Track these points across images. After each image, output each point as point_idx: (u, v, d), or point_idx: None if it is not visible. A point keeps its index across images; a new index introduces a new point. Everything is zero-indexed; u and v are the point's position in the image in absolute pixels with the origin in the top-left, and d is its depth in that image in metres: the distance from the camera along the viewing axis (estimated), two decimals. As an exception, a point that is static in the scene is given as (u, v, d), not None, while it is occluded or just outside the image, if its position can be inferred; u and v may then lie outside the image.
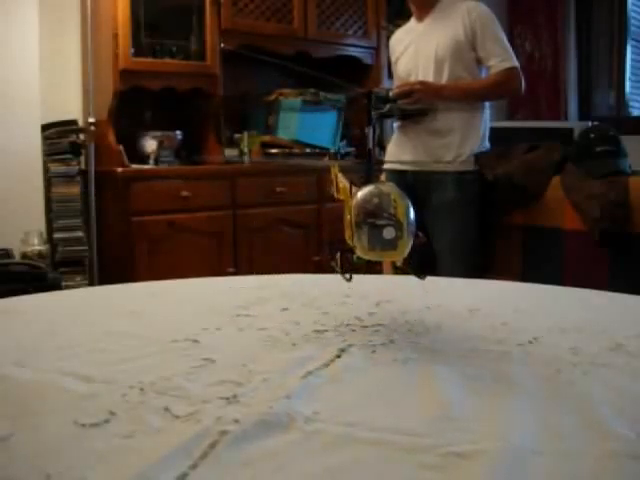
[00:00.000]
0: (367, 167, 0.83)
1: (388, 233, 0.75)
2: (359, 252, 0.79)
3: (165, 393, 0.65)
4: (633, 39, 4.92)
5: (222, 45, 3.43)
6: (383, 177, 2.57)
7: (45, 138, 3.22)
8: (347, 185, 0.88)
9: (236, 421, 0.58)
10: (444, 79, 2.35)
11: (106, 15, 3.21)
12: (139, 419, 0.60)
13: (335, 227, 3.95)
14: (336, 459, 0.52)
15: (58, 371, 0.72)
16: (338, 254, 0.86)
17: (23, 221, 3.13)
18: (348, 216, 0.80)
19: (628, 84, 4.92)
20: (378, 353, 0.78)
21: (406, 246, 0.77)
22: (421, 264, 0.85)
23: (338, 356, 0.76)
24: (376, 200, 0.77)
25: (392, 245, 0.76)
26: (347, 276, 0.86)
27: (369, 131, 0.89)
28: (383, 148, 2.59)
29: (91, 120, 3.27)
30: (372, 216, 0.76)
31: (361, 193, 0.78)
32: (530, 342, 0.82)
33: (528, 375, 0.71)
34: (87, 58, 3.30)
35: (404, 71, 2.47)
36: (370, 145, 0.87)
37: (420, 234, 0.88)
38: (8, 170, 3.09)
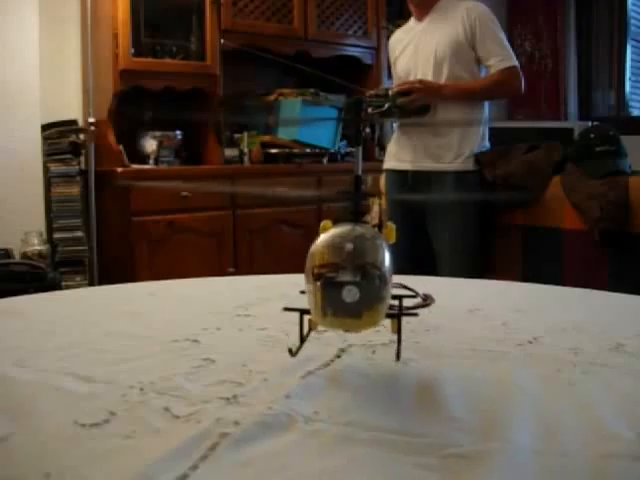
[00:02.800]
0: (354, 198, 0.63)
1: (350, 294, 0.55)
2: (312, 315, 0.60)
3: (165, 393, 0.65)
4: (633, 39, 4.92)
5: (222, 41, 3.42)
6: (383, 177, 2.57)
7: (45, 138, 3.22)
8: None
9: (236, 422, 0.58)
10: (443, 79, 2.35)
11: (106, 15, 3.21)
12: (139, 419, 0.60)
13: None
14: (336, 459, 0.52)
15: (58, 371, 0.72)
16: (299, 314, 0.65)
17: (23, 221, 3.13)
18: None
19: (628, 84, 4.92)
20: (378, 353, 0.78)
21: (377, 314, 0.57)
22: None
23: (338, 356, 0.76)
24: (341, 245, 0.56)
25: (354, 311, 0.56)
26: (291, 348, 0.66)
27: (357, 152, 0.65)
28: (383, 148, 2.59)
29: (91, 120, 3.27)
30: (330, 268, 0.56)
31: (325, 235, 0.58)
32: (530, 342, 0.82)
33: (528, 375, 0.71)
34: (87, 58, 3.30)
35: (403, 71, 2.46)
36: (358, 171, 0.65)
37: (430, 296, 0.75)
38: (8, 170, 3.09)
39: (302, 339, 0.66)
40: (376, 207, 0.76)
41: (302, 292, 0.62)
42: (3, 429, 0.57)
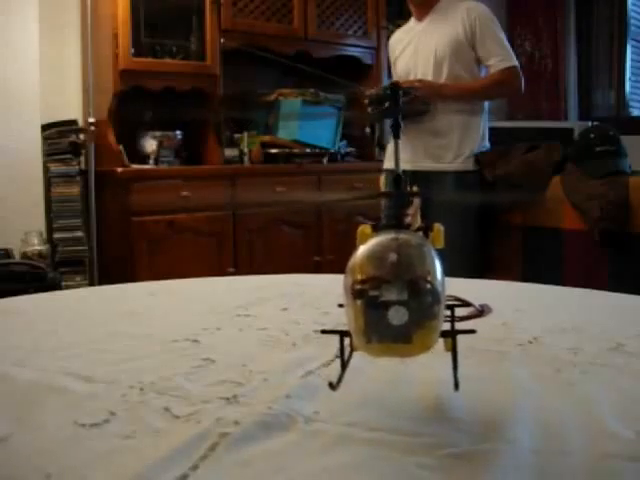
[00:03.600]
0: (396, 199, 0.54)
1: (397, 316, 0.47)
2: (355, 340, 0.51)
3: (165, 393, 0.65)
4: (633, 39, 4.92)
5: (222, 40, 3.42)
6: (382, 177, 2.57)
7: (45, 138, 3.22)
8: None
9: (236, 421, 0.58)
10: (443, 79, 2.35)
11: (106, 15, 3.20)
12: (139, 419, 0.60)
13: (335, 228, 3.94)
14: (336, 459, 0.52)
15: (58, 371, 0.72)
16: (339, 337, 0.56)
17: (23, 221, 3.13)
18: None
19: (628, 84, 4.92)
20: (378, 353, 0.78)
21: (430, 336, 0.49)
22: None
23: (338, 356, 0.76)
24: (387, 258, 0.48)
25: (403, 335, 0.47)
26: (332, 382, 0.55)
27: (396, 146, 0.56)
28: (383, 148, 2.59)
29: (91, 120, 3.27)
30: (375, 285, 0.47)
31: (365, 245, 0.50)
32: (530, 342, 0.82)
33: (528, 375, 0.71)
34: (87, 58, 3.30)
35: (403, 70, 2.46)
36: (398, 167, 0.56)
37: (486, 306, 0.64)
38: (8, 170, 3.09)
39: (344, 365, 0.56)
40: (415, 203, 0.66)
41: (340, 305, 0.54)
42: (3, 429, 0.57)
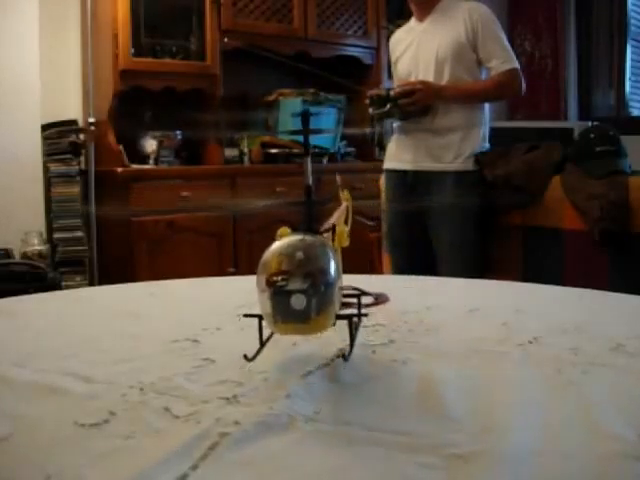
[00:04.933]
0: (306, 208, 0.65)
1: (298, 302, 0.58)
2: (266, 322, 0.63)
3: (165, 393, 0.65)
4: (633, 39, 4.92)
5: (225, 39, 3.42)
6: (383, 178, 2.57)
7: (45, 138, 3.22)
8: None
9: (236, 421, 0.58)
10: (445, 80, 2.35)
11: (106, 15, 3.20)
12: (139, 419, 0.60)
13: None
14: (336, 459, 0.52)
15: (58, 371, 0.72)
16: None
17: (23, 221, 3.13)
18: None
19: (628, 84, 4.92)
20: (378, 353, 0.78)
21: (326, 319, 0.61)
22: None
23: (338, 356, 0.76)
24: (287, 256, 0.59)
25: (303, 318, 0.58)
26: (246, 355, 0.68)
27: (306, 162, 0.70)
28: (383, 148, 2.59)
29: (91, 120, 3.27)
30: (282, 277, 0.58)
31: (276, 244, 0.61)
32: (530, 342, 0.82)
33: (528, 375, 0.71)
34: (87, 58, 3.30)
35: (404, 71, 2.46)
36: (308, 179, 0.68)
37: (383, 295, 0.77)
38: (8, 170, 3.09)
39: (262, 343, 0.68)
40: (342, 207, 0.79)
41: (245, 315, 0.68)
42: (3, 429, 0.57)
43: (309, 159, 0.70)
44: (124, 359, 0.76)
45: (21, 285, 2.65)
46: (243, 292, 1.12)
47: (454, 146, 2.36)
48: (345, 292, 0.69)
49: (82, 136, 3.29)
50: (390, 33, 2.81)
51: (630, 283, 2.02)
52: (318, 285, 0.58)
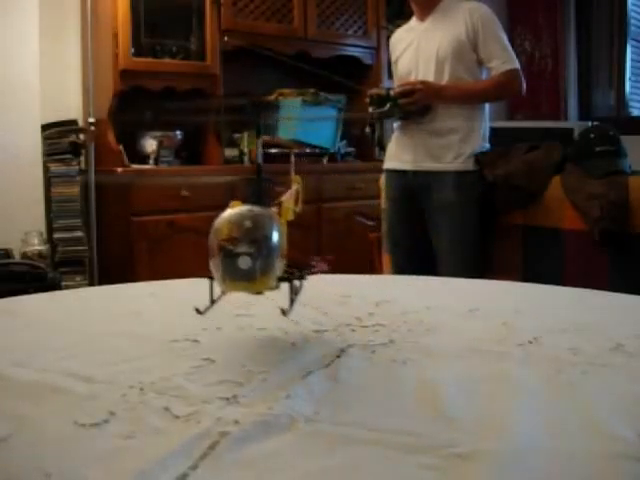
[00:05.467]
0: (256, 184, 0.72)
1: (244, 262, 0.65)
2: (217, 281, 0.70)
3: (165, 393, 0.65)
4: (633, 39, 4.92)
5: (225, 38, 3.42)
6: (383, 178, 2.57)
7: (45, 138, 3.22)
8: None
9: (236, 421, 0.58)
10: (445, 79, 2.35)
11: (106, 15, 3.20)
12: (139, 419, 0.60)
13: (335, 227, 3.94)
14: (336, 459, 0.52)
15: (58, 371, 0.72)
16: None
17: (23, 221, 3.13)
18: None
19: (628, 84, 4.92)
20: (378, 353, 0.78)
21: (268, 278, 0.68)
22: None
23: (338, 356, 0.76)
24: (236, 223, 0.67)
25: (249, 277, 0.66)
26: (198, 308, 0.76)
27: (258, 143, 0.78)
28: (383, 148, 2.59)
29: (91, 120, 3.27)
30: (228, 241, 0.66)
31: (227, 213, 0.69)
32: (530, 342, 0.82)
33: (528, 375, 0.71)
34: (87, 58, 3.30)
35: (404, 70, 2.46)
36: (259, 158, 0.76)
37: (315, 262, 0.83)
38: (8, 170, 3.09)
39: (212, 301, 0.76)
40: (293, 189, 0.87)
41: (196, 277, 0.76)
42: (3, 429, 0.57)
43: (260, 141, 0.78)
44: (124, 359, 0.76)
45: (21, 285, 2.65)
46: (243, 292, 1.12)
47: (454, 146, 2.36)
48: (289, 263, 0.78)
49: (82, 136, 3.29)
50: (390, 33, 2.81)
51: (630, 283, 2.02)
52: (262, 249, 0.66)
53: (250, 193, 0.71)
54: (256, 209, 0.68)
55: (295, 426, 0.58)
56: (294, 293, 0.76)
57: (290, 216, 0.82)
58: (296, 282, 0.77)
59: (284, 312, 0.73)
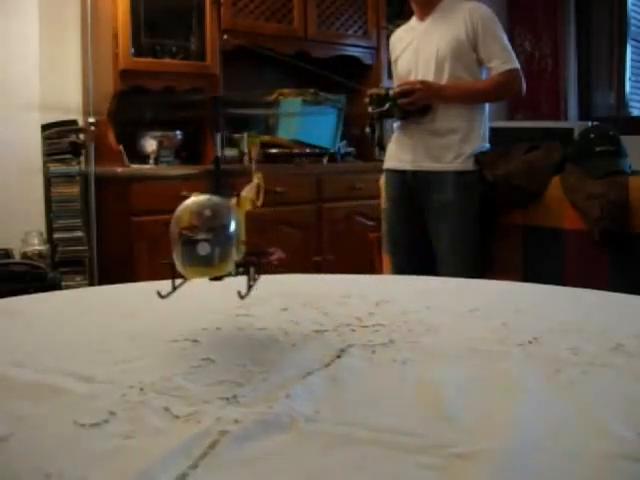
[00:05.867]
0: (215, 175, 0.77)
1: (203, 249, 0.69)
2: (178, 267, 0.73)
3: (165, 393, 0.65)
4: (633, 39, 4.92)
5: (225, 37, 3.42)
6: (383, 178, 2.57)
7: (45, 138, 3.22)
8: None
9: (236, 421, 0.58)
10: (444, 79, 2.35)
11: (106, 15, 3.20)
12: (139, 419, 0.60)
13: (335, 227, 3.93)
14: (336, 459, 0.52)
15: (58, 371, 0.72)
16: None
17: (23, 221, 3.13)
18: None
19: (628, 84, 4.92)
20: (378, 353, 0.78)
21: (226, 264, 0.71)
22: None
23: (338, 356, 0.76)
24: (195, 212, 0.70)
25: (207, 262, 0.70)
26: (159, 291, 0.79)
27: (216, 138, 0.85)
28: (383, 148, 2.59)
29: (91, 120, 3.27)
30: (188, 229, 0.70)
31: (187, 202, 0.72)
32: (530, 342, 0.82)
33: (528, 375, 0.71)
34: (87, 58, 3.30)
35: (404, 70, 2.46)
36: (218, 151, 0.82)
37: (272, 250, 0.86)
38: (8, 170, 3.09)
39: (174, 287, 0.80)
40: (254, 183, 0.92)
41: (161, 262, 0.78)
42: (3, 429, 0.57)
43: (219, 135, 0.78)
44: (124, 359, 0.76)
45: (21, 285, 2.65)
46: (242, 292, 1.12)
47: (454, 146, 2.36)
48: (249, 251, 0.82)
49: (82, 136, 3.29)
50: (390, 33, 2.82)
51: (630, 283, 2.02)
52: (220, 236, 0.69)
53: (210, 185, 0.75)
54: (215, 199, 0.72)
55: (295, 426, 0.58)
56: (252, 279, 0.80)
57: (248, 207, 0.87)
58: (252, 269, 0.80)
59: (241, 295, 0.76)
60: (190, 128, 3.53)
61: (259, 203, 0.93)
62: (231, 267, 0.73)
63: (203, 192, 0.74)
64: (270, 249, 0.95)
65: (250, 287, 0.80)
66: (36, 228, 3.17)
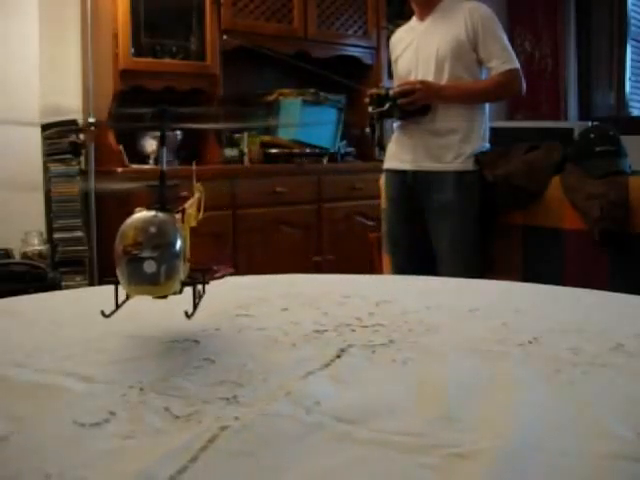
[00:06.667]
0: (159, 190, 0.73)
1: (149, 267, 0.67)
2: (122, 285, 0.71)
3: (165, 393, 0.65)
4: (633, 39, 4.92)
5: (225, 37, 3.42)
6: (383, 178, 2.57)
7: (45, 138, 3.22)
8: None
9: (236, 420, 0.58)
10: (444, 79, 2.35)
11: (106, 15, 3.20)
12: (139, 419, 0.60)
13: (335, 227, 3.93)
14: (336, 459, 0.52)
15: (58, 371, 0.72)
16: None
17: (23, 221, 3.13)
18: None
19: (628, 84, 4.92)
20: (378, 353, 0.78)
21: (172, 282, 0.70)
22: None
23: (338, 356, 0.76)
24: (140, 228, 0.68)
25: (153, 280, 0.68)
26: (103, 311, 0.76)
27: (162, 152, 0.82)
28: (383, 148, 2.59)
29: (91, 120, 3.27)
30: (133, 247, 0.67)
31: (131, 219, 0.70)
32: (530, 342, 0.82)
33: (528, 375, 0.71)
34: (87, 58, 3.30)
35: (404, 70, 2.46)
36: (163, 166, 0.78)
37: (218, 267, 0.85)
38: (8, 170, 3.09)
39: (117, 305, 0.77)
40: (196, 197, 0.90)
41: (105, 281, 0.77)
42: (3, 429, 0.57)
43: (164, 150, 0.83)
44: (124, 359, 0.76)
45: (21, 285, 2.65)
46: (243, 292, 1.12)
47: (454, 146, 2.36)
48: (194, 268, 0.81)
49: (82, 136, 3.29)
50: (390, 33, 2.82)
51: (630, 283, 2.02)
52: (166, 254, 0.67)
53: (155, 199, 0.72)
54: (160, 215, 0.70)
55: (295, 426, 0.58)
56: (197, 297, 0.78)
57: (192, 222, 0.85)
58: (199, 286, 0.79)
59: (188, 315, 0.74)
60: (190, 128, 3.52)
61: (200, 217, 0.91)
62: (177, 286, 0.72)
63: (148, 207, 0.72)
64: (215, 266, 0.95)
65: (196, 306, 0.77)
66: (36, 228, 3.17)
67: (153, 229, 0.68)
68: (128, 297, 0.76)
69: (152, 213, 0.70)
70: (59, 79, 3.35)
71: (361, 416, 0.60)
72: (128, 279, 0.68)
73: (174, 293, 0.73)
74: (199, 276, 0.80)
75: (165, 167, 0.77)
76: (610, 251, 2.17)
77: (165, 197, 0.73)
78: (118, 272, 0.69)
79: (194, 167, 0.93)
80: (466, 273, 2.07)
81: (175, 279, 0.70)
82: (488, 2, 2.54)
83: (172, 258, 0.68)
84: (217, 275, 0.87)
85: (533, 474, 0.50)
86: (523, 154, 2.40)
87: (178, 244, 0.69)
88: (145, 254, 0.66)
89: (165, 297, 0.73)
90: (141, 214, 0.70)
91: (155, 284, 0.68)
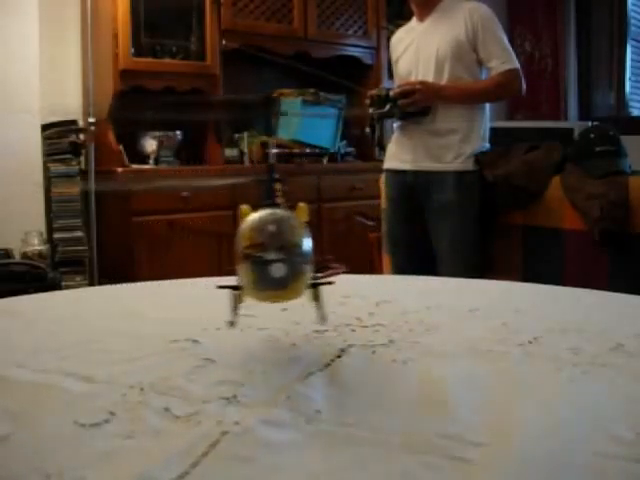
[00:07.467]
0: (268, 186, 0.68)
1: (277, 270, 0.61)
2: (245, 292, 0.66)
3: (165, 393, 0.65)
4: (633, 39, 4.92)
5: (224, 42, 3.43)
6: (383, 178, 2.57)
7: (45, 138, 3.22)
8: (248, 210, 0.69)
9: (237, 422, 0.58)
10: (444, 79, 2.35)
11: (106, 15, 3.21)
12: (139, 419, 0.60)
13: (335, 227, 3.94)
14: (337, 459, 0.52)
15: (58, 371, 0.72)
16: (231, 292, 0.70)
17: (23, 221, 3.13)
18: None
19: (628, 84, 4.92)
20: (378, 353, 0.78)
21: (301, 286, 0.65)
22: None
23: (338, 356, 0.76)
24: (267, 228, 0.63)
25: (282, 285, 0.62)
26: (230, 321, 0.71)
27: (270, 152, 0.76)
28: (383, 148, 2.59)
29: (91, 120, 3.27)
30: (259, 249, 0.62)
31: (250, 219, 0.64)
32: (530, 342, 0.82)
33: (528, 375, 0.71)
34: (87, 58, 3.30)
35: (404, 70, 2.46)
36: (271, 159, 0.74)
37: (337, 266, 0.81)
38: (8, 170, 3.09)
39: (235, 311, 0.72)
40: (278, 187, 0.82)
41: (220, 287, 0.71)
42: (3, 429, 0.57)
43: (272, 140, 0.73)
44: (124, 359, 0.76)
45: (21, 285, 2.65)
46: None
47: (454, 146, 2.36)
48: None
49: (82, 136, 3.29)
50: (390, 33, 2.82)
51: (630, 283, 2.02)
52: (294, 255, 0.62)
53: (262, 195, 0.67)
54: (279, 212, 0.64)
55: (295, 426, 0.58)
56: (317, 297, 0.73)
57: (306, 217, 0.77)
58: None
59: (321, 320, 0.71)
60: (190, 128, 3.53)
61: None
62: (304, 289, 0.66)
63: (252, 203, 0.67)
64: (332, 264, 0.91)
65: (321, 310, 0.72)
66: (36, 228, 3.17)
67: (274, 227, 0.62)
68: (240, 302, 0.71)
69: (269, 210, 0.64)
70: (59, 79, 3.35)
71: (361, 416, 0.60)
72: (254, 284, 0.63)
73: (300, 297, 0.68)
74: (319, 276, 0.74)
75: (273, 161, 0.74)
76: (610, 251, 2.17)
77: (273, 191, 0.67)
78: (240, 275, 0.64)
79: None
80: (466, 273, 2.07)
81: (303, 281, 0.65)
82: (488, 2, 2.54)
83: (300, 260, 0.63)
84: (335, 273, 0.84)
85: (533, 474, 0.50)
86: (523, 154, 2.40)
87: (306, 243, 0.64)
88: (271, 256, 0.61)
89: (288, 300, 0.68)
90: (259, 214, 0.64)
91: (283, 289, 0.63)
